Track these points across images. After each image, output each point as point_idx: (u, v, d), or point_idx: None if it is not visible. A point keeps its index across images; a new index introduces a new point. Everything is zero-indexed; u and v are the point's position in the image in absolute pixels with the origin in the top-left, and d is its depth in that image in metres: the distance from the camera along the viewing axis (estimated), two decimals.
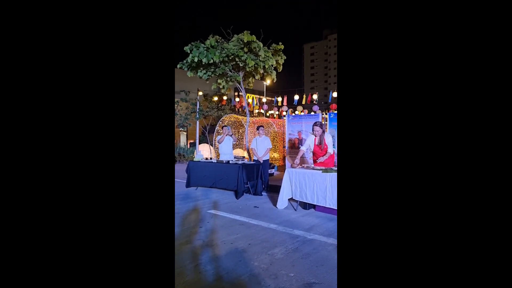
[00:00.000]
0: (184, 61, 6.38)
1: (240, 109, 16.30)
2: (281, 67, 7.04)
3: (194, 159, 5.94)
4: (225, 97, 12.30)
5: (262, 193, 5.16)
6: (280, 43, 6.73)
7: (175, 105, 11.38)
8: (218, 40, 6.29)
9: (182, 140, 16.68)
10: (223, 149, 5.81)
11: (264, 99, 15.40)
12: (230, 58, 6.15)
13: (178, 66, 6.61)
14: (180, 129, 11.70)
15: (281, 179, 4.11)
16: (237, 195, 4.86)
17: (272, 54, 6.54)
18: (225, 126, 5.88)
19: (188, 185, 5.65)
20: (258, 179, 5.11)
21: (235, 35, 6.25)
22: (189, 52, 6.13)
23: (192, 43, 6.12)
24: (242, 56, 6.02)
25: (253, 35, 6.04)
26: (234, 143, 5.99)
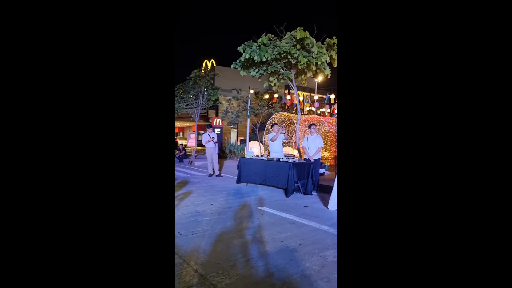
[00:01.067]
0: (237, 61, 6.55)
1: (290, 107, 16.17)
2: (336, 62, 6.78)
3: (245, 156, 6.07)
4: (276, 95, 12.32)
5: (312, 192, 5.05)
6: (334, 37, 6.48)
7: (227, 103, 11.78)
8: (271, 38, 6.32)
9: (233, 137, 17.20)
10: (274, 147, 5.84)
11: (315, 97, 15.03)
12: (282, 55, 6.12)
13: (232, 66, 6.82)
14: (231, 126, 12.07)
15: (332, 179, 3.98)
16: (287, 193, 4.83)
17: (326, 49, 6.33)
18: (275, 124, 5.89)
19: (238, 181, 5.81)
20: (308, 178, 5.02)
21: (288, 33, 6.20)
22: (242, 52, 6.27)
23: (245, 42, 6.24)
24: (294, 53, 5.95)
25: (306, 31, 5.92)
26: (284, 141, 5.97)
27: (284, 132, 5.77)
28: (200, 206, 4.06)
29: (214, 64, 18.33)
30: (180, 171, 8.12)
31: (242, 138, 15.91)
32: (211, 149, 7.13)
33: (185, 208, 3.90)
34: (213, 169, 7.24)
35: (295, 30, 6.02)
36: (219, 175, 7.14)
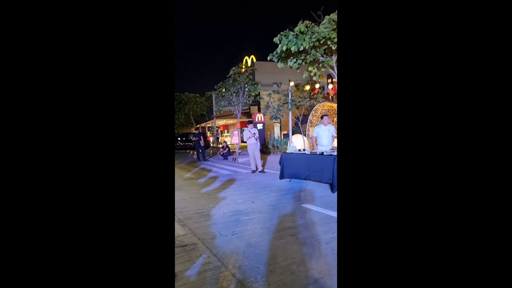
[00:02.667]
0: (274, 52, 6.33)
1: (334, 97, 15.41)
2: None
3: (287, 151, 5.87)
4: (317, 85, 11.80)
5: None
6: None
7: (268, 98, 11.63)
8: (308, 25, 5.96)
9: (276, 131, 17.03)
10: (322, 141, 5.49)
11: None
12: (322, 42, 5.74)
13: (268, 58, 6.62)
14: (274, 120, 11.88)
15: None
16: (332, 188, 4.53)
17: None
18: (325, 115, 5.51)
19: (281, 177, 5.64)
20: None
21: (326, 16, 5.78)
22: (278, 42, 6.04)
23: (281, 32, 5.99)
24: (334, 38, 5.53)
25: None
26: (334, 136, 5.57)
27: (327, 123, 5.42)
28: (242, 204, 4.00)
29: (254, 60, 18.29)
30: (224, 169, 8.23)
31: (285, 132, 15.64)
32: (253, 145, 7.07)
33: (226, 207, 3.87)
34: (256, 166, 7.18)
35: (334, 12, 5.59)
36: (262, 171, 7.06)
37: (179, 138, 17.57)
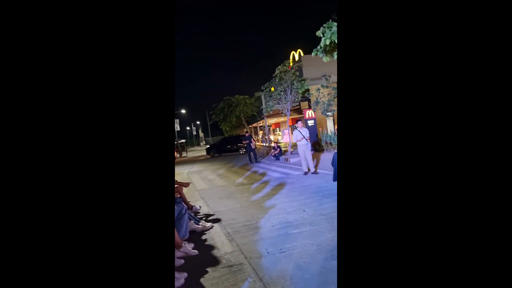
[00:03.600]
0: (318, 47, 5.94)
1: None
2: None
3: None
4: None
5: None
6: None
7: (316, 93, 11.12)
8: None
9: (329, 126, 16.25)
10: None
11: None
12: None
13: (313, 54, 6.26)
14: (328, 114, 11.27)
15: None
16: None
17: None
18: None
19: (335, 178, 5.26)
20: None
21: None
22: (322, 35, 5.65)
23: (324, 25, 5.59)
24: None
25: None
26: None
27: None
28: (292, 214, 3.81)
29: (302, 54, 17.75)
30: (276, 171, 8.09)
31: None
32: (303, 146, 6.80)
33: (275, 218, 3.72)
34: (308, 167, 6.89)
35: None
36: (315, 172, 6.74)
37: (228, 146, 17.69)
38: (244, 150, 15.07)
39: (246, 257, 2.60)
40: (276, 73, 11.47)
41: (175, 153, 21.59)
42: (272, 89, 12.04)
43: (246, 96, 24.07)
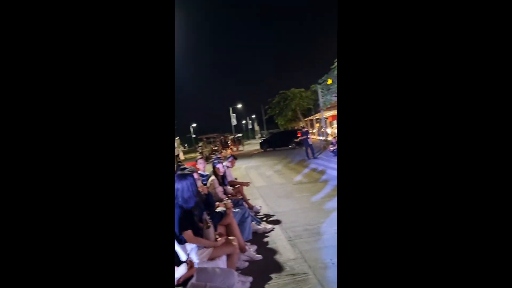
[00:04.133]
0: None
1: None
2: None
3: None
4: None
5: None
6: None
7: None
8: None
9: None
10: None
11: None
12: None
13: None
14: None
15: None
16: None
17: None
18: None
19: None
20: None
21: None
22: None
23: None
24: None
25: None
26: None
27: None
28: None
29: None
30: (335, 169, 7.80)
31: None
32: None
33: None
34: None
35: None
36: None
37: (281, 141, 17.27)
38: (294, 145, 14.89)
39: (310, 266, 2.56)
40: (334, 65, 10.96)
41: (234, 146, 22.35)
42: (330, 81, 11.55)
43: (302, 89, 23.59)
